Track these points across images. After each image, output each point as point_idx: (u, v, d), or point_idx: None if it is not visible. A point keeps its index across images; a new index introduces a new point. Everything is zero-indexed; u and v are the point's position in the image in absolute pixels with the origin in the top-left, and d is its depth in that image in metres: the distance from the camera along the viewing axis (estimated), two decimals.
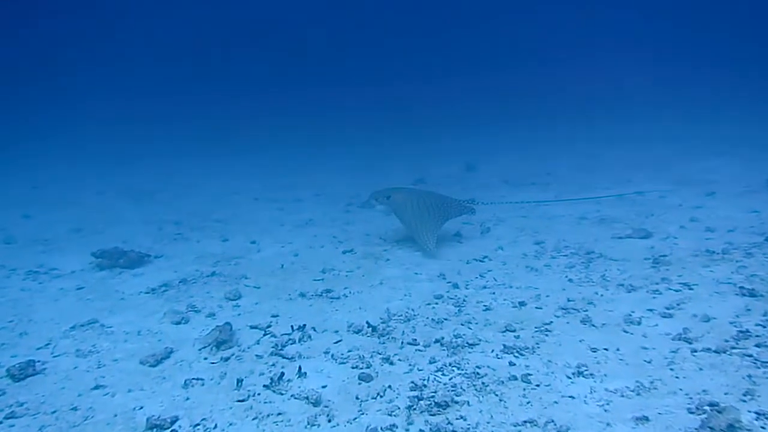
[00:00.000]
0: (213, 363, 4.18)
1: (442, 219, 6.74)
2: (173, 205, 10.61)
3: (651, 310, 4.51)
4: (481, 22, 44.23)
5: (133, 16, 42.98)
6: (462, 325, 4.54)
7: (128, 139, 20.60)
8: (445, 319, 4.71)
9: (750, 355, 3.67)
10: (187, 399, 3.68)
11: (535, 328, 4.29)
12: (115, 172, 14.68)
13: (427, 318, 4.77)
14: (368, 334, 4.54)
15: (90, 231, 8.80)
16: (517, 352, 3.95)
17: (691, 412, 3.13)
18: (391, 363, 3.97)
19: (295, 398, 3.59)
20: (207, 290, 5.84)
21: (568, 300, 4.77)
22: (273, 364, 4.09)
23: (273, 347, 4.36)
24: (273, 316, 5.07)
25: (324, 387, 3.71)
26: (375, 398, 3.52)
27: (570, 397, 3.38)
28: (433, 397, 3.42)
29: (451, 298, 5.17)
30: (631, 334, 4.12)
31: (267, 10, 44.80)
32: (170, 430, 3.34)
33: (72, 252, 7.56)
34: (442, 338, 4.27)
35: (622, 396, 3.35)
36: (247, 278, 6.19)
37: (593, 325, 4.22)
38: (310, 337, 4.55)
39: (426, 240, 6.44)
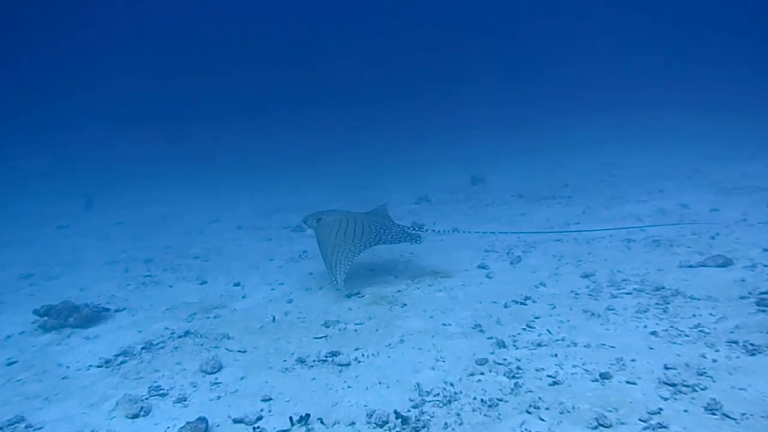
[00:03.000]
0: None
1: (363, 246, 5.59)
2: (144, 239, 9.25)
3: None
4: (480, 24, 43.55)
5: (114, 36, 41.69)
6: (528, 412, 3.26)
7: (98, 164, 19.16)
8: (500, 401, 3.44)
9: None
10: None
11: (640, 419, 3.01)
12: (81, 202, 13.26)
13: (475, 399, 3.49)
14: (396, 429, 3.26)
15: (42, 276, 7.42)
16: None
17: None
18: None
19: None
20: (177, 359, 4.51)
21: (667, 368, 3.51)
22: None
23: None
24: (264, 400, 3.77)
25: None
26: None
27: None
28: None
29: (500, 364, 3.90)
30: None
31: (260, 24, 43.86)
32: None
33: (14, 307, 6.20)
34: None
35: None
36: (229, 338, 4.87)
37: (727, 416, 2.96)
38: None
39: (335, 272, 5.32)
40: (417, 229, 6.33)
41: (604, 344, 3.95)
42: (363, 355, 4.32)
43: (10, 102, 32.78)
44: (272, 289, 6.21)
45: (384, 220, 6.33)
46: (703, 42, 33.03)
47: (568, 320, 4.50)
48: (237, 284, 6.50)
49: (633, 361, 3.65)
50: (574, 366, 3.70)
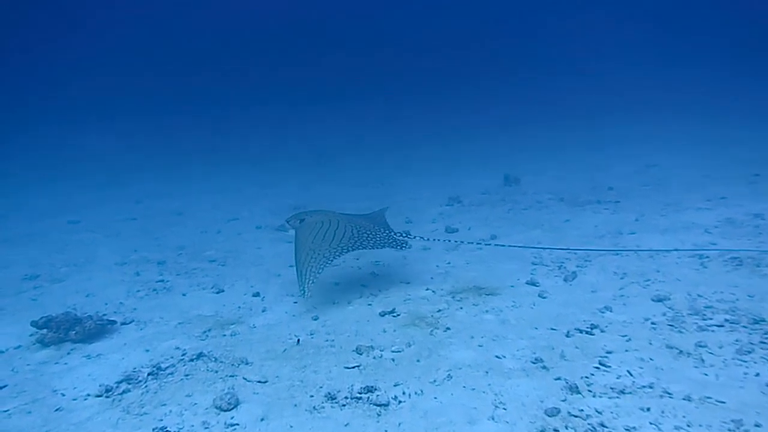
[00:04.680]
0: None
1: (338, 251, 5.18)
2: (158, 238, 8.68)
3: None
4: (509, 19, 42.51)
5: (125, 31, 41.50)
6: None
7: (111, 157, 18.71)
8: None
9: None
10: None
11: None
12: (94, 196, 12.78)
13: None
14: None
15: (47, 277, 6.87)
16: None
17: None
18: None
19: None
20: (188, 390, 3.89)
21: None
22: None
23: None
24: None
25: None
26: None
27: None
28: None
29: (576, 416, 3.19)
30: None
31: (278, 16, 43.35)
32: None
33: (12, 314, 5.64)
34: None
35: None
36: (248, 364, 4.24)
37: None
38: None
39: (303, 278, 4.90)
40: (405, 235, 5.80)
41: (710, 397, 3.21)
42: (404, 394, 3.65)
43: (23, 91, 32.66)
44: (295, 302, 5.57)
45: (370, 224, 5.77)
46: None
47: (650, 358, 3.77)
48: (256, 294, 5.87)
49: (758, 426, 2.91)
50: (676, 429, 2.98)
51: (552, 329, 4.43)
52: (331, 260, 5.10)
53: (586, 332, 4.27)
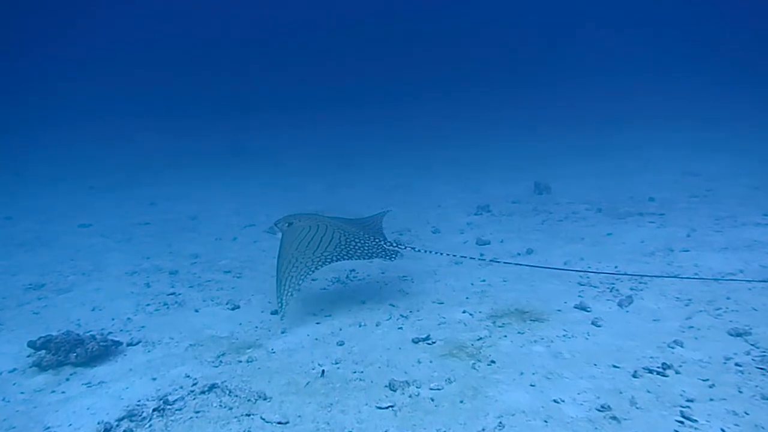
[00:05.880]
0: None
1: (322, 261, 4.86)
2: (172, 245, 8.22)
3: None
4: (534, 21, 41.78)
5: (140, 28, 41.54)
6: None
7: (124, 158, 18.43)
8: None
9: None
10: None
11: None
12: (108, 197, 12.42)
13: None
14: None
15: (53, 287, 6.44)
16: None
17: None
18: None
19: None
20: None
21: None
22: None
23: None
24: None
25: None
26: None
27: None
28: None
29: None
30: None
31: (303, 16, 43.19)
32: None
33: (11, 330, 5.20)
34: None
35: None
36: (266, 399, 3.72)
37: None
38: None
39: (281, 291, 4.64)
40: (396, 245, 5.37)
41: None
42: None
43: (33, 89, 32.71)
44: (317, 323, 5.05)
45: (360, 231, 5.37)
46: None
47: (745, 413, 3.17)
48: (275, 312, 5.36)
49: None
50: None
51: (615, 367, 3.84)
52: (313, 271, 4.80)
53: (658, 373, 3.68)
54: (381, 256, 5.12)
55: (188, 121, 26.56)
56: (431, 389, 3.74)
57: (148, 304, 5.77)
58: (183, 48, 39.92)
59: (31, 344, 4.46)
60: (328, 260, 4.90)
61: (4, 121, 25.91)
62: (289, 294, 4.63)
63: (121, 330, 5.10)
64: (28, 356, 4.50)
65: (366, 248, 5.13)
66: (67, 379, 4.19)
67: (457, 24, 42.00)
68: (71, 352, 4.39)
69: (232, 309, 5.55)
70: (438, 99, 29.40)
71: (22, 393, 4.00)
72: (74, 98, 30.41)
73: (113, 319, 5.38)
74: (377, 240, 5.31)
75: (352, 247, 5.09)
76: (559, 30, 40.50)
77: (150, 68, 36.85)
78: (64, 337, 4.48)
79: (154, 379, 4.11)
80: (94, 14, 41.77)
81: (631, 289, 5.25)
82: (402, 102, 28.99)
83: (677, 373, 3.67)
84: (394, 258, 5.18)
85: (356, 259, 5.03)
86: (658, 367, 3.72)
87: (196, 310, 5.55)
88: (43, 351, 4.41)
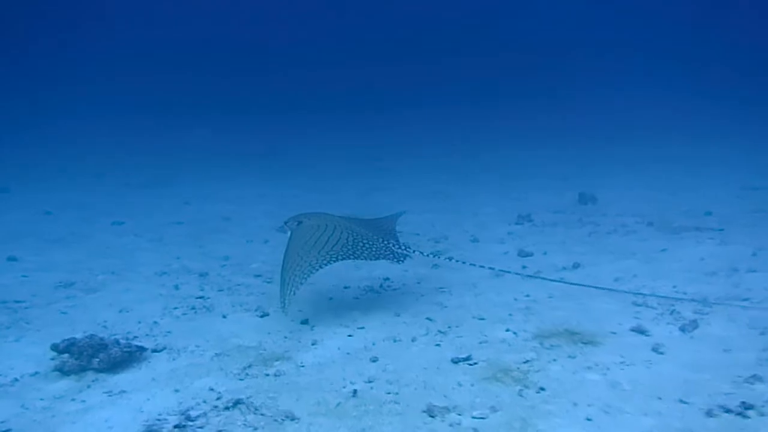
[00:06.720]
0: None
1: (327, 260, 4.81)
2: (203, 245, 8.09)
3: None
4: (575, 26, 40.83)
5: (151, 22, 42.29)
6: None
7: (160, 156, 18.62)
8: None
9: None
10: None
11: None
12: (143, 195, 12.47)
13: None
14: None
15: (82, 286, 6.34)
16: None
17: None
18: None
19: None
20: None
21: None
22: None
23: None
24: None
25: None
26: None
27: None
28: None
29: None
30: None
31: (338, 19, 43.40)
32: None
33: (37, 330, 5.07)
34: None
35: None
36: (294, 420, 3.43)
37: None
38: None
39: (285, 289, 4.59)
40: (405, 248, 5.34)
41: None
42: None
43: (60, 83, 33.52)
44: (349, 335, 4.75)
45: (369, 232, 5.27)
46: None
47: None
48: (305, 322, 5.10)
49: None
50: None
51: (683, 402, 3.40)
52: (317, 269, 4.75)
53: (737, 413, 3.22)
54: (388, 258, 5.14)
55: (230, 121, 26.72)
56: (473, 418, 3.38)
57: (175, 308, 5.59)
58: (236, 51, 40.53)
59: (54, 347, 4.30)
60: (333, 259, 4.86)
61: (50, 112, 26.67)
62: (292, 292, 4.58)
63: (146, 335, 4.91)
64: (52, 359, 4.34)
65: (373, 249, 5.09)
66: (89, 386, 4.00)
67: (506, 30, 41.31)
68: (94, 357, 4.21)
69: (261, 316, 5.31)
70: (478, 105, 28.94)
71: (41, 399, 3.82)
72: (115, 93, 31.02)
73: (140, 323, 5.21)
74: (386, 241, 5.24)
75: (359, 246, 5.04)
76: (604, 36, 39.37)
77: (194, 67, 37.52)
78: (88, 340, 4.30)
79: (177, 390, 3.88)
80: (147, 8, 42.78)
81: (696, 312, 4.77)
82: (442, 108, 28.62)
83: (761, 414, 3.20)
84: (402, 261, 5.22)
85: (362, 260, 5.04)
86: (738, 407, 3.26)
87: (224, 316, 5.34)
88: (66, 354, 4.24)
